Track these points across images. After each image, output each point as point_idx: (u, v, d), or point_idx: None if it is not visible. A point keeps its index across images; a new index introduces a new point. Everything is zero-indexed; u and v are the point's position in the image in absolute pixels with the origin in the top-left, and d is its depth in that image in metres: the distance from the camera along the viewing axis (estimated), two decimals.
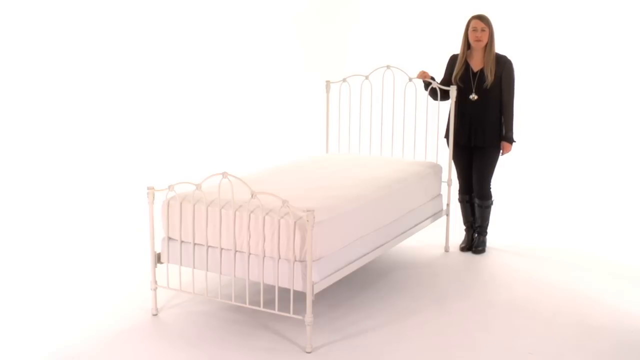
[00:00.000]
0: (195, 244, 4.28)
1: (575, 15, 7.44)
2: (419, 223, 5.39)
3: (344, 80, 6.07)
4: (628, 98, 7.38)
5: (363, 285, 5.06)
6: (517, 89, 5.61)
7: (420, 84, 6.02)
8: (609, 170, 7.46)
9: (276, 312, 4.11)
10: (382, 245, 4.83)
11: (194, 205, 4.22)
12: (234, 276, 4.18)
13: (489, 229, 5.98)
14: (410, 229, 5.26)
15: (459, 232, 6.09)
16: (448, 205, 5.82)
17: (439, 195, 5.76)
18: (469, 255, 5.76)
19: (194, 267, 4.31)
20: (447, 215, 5.84)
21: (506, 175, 6.98)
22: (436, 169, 5.70)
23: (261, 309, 4.18)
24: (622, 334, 4.33)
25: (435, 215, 5.68)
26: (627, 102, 7.39)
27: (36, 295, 4.86)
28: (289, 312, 4.15)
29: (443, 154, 6.49)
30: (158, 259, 4.44)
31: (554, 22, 7.52)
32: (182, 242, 4.34)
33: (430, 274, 5.32)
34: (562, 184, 7.57)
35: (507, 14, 7.42)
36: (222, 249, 4.19)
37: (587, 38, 7.42)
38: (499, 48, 5.58)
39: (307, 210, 3.81)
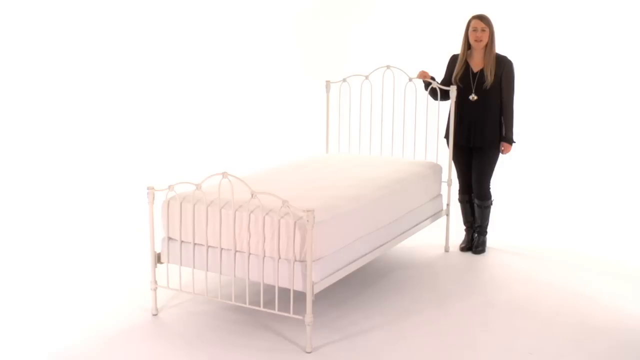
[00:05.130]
0: (195, 244, 4.28)
1: (575, 15, 7.44)
2: (419, 223, 5.39)
3: (344, 80, 6.08)
4: (628, 98, 7.38)
5: (363, 285, 5.06)
6: (517, 89, 5.61)
7: (420, 84, 6.02)
8: (609, 170, 7.46)
9: (276, 312, 4.11)
10: (382, 245, 4.83)
11: (194, 205, 4.22)
12: (234, 276, 4.18)
13: (489, 229, 5.98)
14: (410, 229, 5.26)
15: (459, 232, 6.09)
16: (448, 205, 5.82)
17: (439, 195, 5.76)
18: (469, 255, 5.76)
19: (194, 267, 4.31)
20: (447, 215, 5.84)
21: (506, 175, 6.99)
22: (436, 169, 5.70)
23: (261, 309, 4.18)
24: (622, 334, 4.33)
25: (435, 215, 5.68)
26: (627, 102, 7.39)
27: (36, 295, 4.86)
28: (289, 312, 4.15)
29: (443, 154, 6.49)
30: (158, 259, 4.44)
31: (554, 22, 7.52)
32: (182, 242, 4.34)
33: (430, 274, 5.32)
34: (562, 184, 7.57)
35: (507, 14, 7.42)
36: (222, 249, 4.19)
37: (587, 38, 7.43)
38: (499, 48, 5.58)
39: (307, 210, 3.81)
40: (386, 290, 4.99)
